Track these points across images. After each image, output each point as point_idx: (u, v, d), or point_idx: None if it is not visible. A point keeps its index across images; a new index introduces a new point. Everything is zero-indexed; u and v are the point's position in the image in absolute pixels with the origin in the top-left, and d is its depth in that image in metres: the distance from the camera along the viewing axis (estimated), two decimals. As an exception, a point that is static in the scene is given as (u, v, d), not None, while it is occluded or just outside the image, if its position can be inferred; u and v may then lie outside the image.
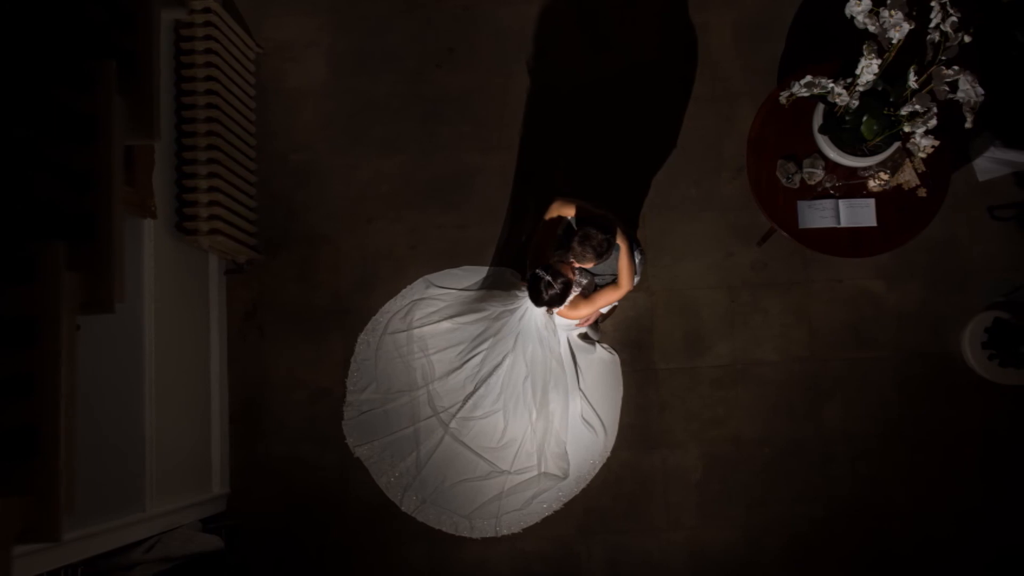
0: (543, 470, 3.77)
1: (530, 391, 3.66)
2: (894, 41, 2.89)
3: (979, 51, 3.80)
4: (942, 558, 3.96)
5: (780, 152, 3.44)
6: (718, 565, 3.99)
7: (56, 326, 1.91)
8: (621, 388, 4.03)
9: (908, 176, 3.38)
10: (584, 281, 3.31)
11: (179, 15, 2.60)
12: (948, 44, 2.84)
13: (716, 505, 4.01)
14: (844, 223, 3.39)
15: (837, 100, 3.06)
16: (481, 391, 3.73)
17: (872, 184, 3.39)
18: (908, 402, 4.05)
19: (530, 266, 3.23)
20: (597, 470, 3.95)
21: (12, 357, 1.91)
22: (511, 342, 3.58)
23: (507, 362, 3.64)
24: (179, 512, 3.56)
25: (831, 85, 3.05)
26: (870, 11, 2.87)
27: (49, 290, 1.92)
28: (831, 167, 3.38)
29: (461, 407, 3.79)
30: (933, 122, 2.99)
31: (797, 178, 3.40)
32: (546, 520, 3.90)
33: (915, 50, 2.95)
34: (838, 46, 3.64)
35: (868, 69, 2.93)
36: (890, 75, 3.04)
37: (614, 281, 3.34)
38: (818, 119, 3.30)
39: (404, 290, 4.06)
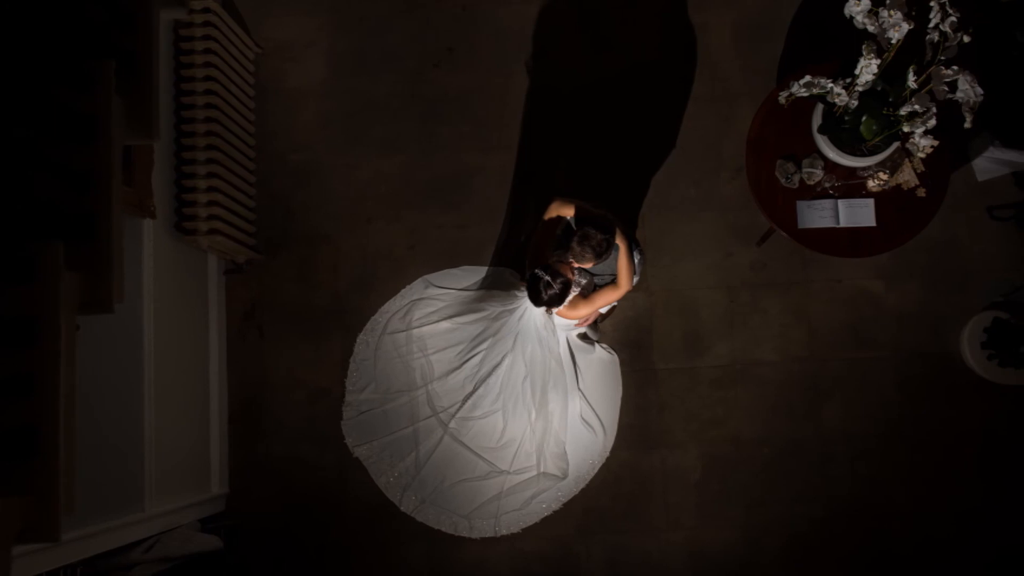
0: (542, 470, 3.77)
1: (529, 391, 3.66)
2: (893, 41, 2.89)
3: (978, 51, 3.81)
4: (942, 558, 3.97)
5: (779, 152, 3.44)
6: (717, 565, 3.99)
7: (56, 326, 1.92)
8: (620, 388, 4.03)
9: (907, 176, 3.38)
10: (583, 281, 3.31)
11: (179, 15, 2.60)
12: (947, 44, 2.83)
13: (715, 505, 4.01)
14: (843, 223, 3.39)
15: (836, 100, 3.06)
16: (480, 391, 3.73)
17: (871, 184, 3.39)
18: (908, 402, 4.05)
19: (529, 266, 3.23)
20: (596, 470, 3.95)
21: (12, 357, 1.91)
22: (510, 342, 3.58)
23: (506, 362, 3.64)
24: (178, 512, 3.56)
25: (830, 85, 3.05)
26: (869, 11, 2.87)
27: (49, 290, 1.92)
28: (830, 167, 3.38)
29: (460, 407, 3.79)
30: (932, 122, 2.99)
31: (796, 178, 3.40)
32: (545, 520, 3.89)
33: (914, 50, 2.95)
34: (837, 46, 3.64)
35: (867, 69, 2.93)
36: (889, 75, 3.04)
37: (613, 281, 3.34)
38: (817, 119, 3.30)
39: (403, 290, 4.06)
